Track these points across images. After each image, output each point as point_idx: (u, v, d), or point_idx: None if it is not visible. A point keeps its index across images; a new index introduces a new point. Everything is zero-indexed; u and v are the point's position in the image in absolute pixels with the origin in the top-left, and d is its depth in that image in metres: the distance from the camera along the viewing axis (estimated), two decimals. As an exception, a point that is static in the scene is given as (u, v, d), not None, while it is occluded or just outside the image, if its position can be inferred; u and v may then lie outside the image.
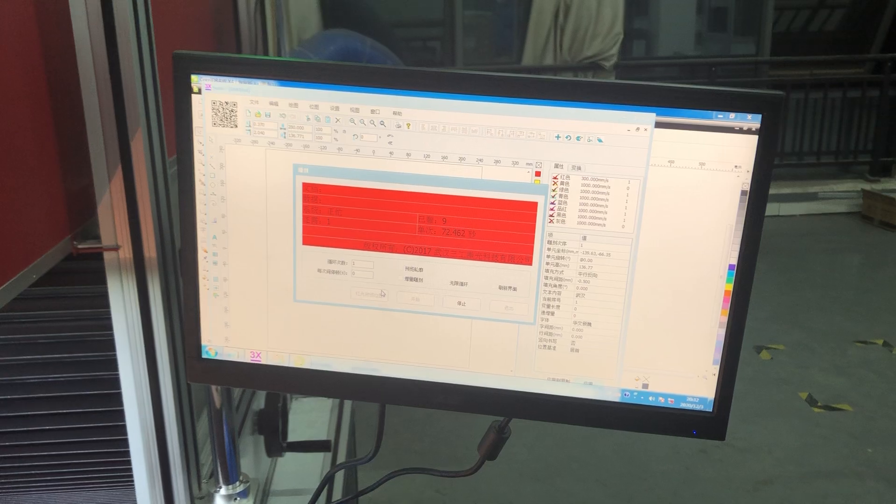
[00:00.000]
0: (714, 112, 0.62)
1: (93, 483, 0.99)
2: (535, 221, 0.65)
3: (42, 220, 0.81)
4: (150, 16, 0.88)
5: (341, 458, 1.58)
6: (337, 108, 0.64)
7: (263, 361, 0.71)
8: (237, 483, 1.01)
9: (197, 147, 0.66)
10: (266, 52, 1.61)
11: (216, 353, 0.71)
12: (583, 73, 5.56)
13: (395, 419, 2.90)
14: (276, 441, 1.32)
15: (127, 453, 0.95)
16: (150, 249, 0.89)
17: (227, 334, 0.71)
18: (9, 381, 0.94)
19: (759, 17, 5.97)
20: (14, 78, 0.75)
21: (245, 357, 0.71)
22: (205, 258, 0.69)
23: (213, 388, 0.96)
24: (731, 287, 0.65)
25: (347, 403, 1.84)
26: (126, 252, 0.89)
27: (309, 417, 1.73)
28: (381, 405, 0.74)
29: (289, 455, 1.39)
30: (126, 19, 0.83)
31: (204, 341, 0.71)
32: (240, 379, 0.72)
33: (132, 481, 0.97)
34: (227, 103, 0.65)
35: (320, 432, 1.68)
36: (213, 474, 1.06)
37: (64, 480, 0.99)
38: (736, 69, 6.11)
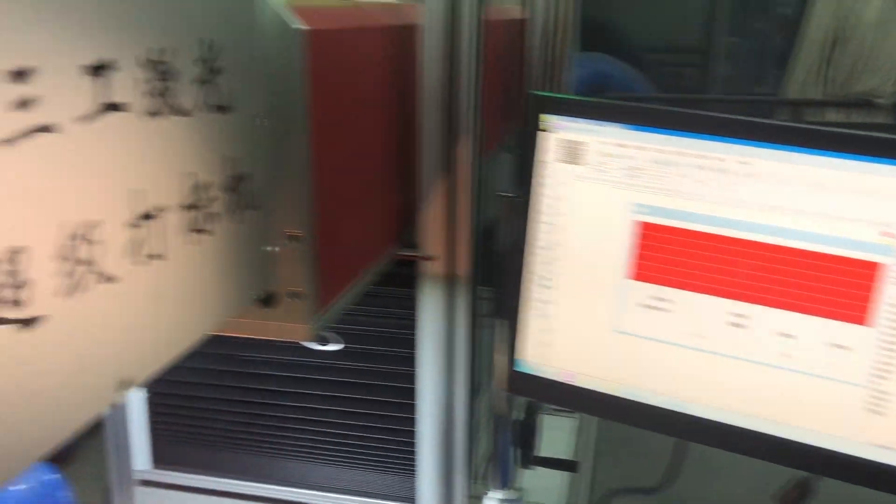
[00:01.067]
0: None
1: (379, 467, 1.10)
2: (878, 282, 0.64)
3: (381, 227, 0.91)
4: (484, 50, 0.96)
5: (584, 479, 1.60)
6: (683, 154, 0.67)
7: (576, 383, 0.75)
8: (509, 489, 1.07)
9: (540, 180, 0.72)
10: (553, 77, 1.67)
11: (532, 369, 0.77)
12: (852, 109, 5.16)
13: (639, 447, 2.84)
14: (530, 454, 1.37)
15: (413, 444, 1.05)
16: (462, 263, 0.97)
17: (545, 353, 0.76)
18: (329, 363, 1.07)
19: None
20: (374, 108, 0.87)
21: (559, 376, 0.76)
22: (534, 281, 0.75)
23: (502, 396, 1.02)
24: None
25: (592, 427, 1.86)
26: (440, 262, 0.98)
27: (553, 435, 1.77)
28: (681, 442, 0.76)
29: (532, 470, 1.44)
30: (469, 55, 0.91)
31: (522, 356, 0.77)
32: (551, 396, 0.77)
33: (414, 471, 1.06)
34: (574, 142, 0.71)
35: (562, 451, 1.72)
36: (483, 477, 1.13)
37: (355, 461, 1.11)
38: None
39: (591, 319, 0.74)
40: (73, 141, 0.43)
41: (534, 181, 0.73)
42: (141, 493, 1.20)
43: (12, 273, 0.39)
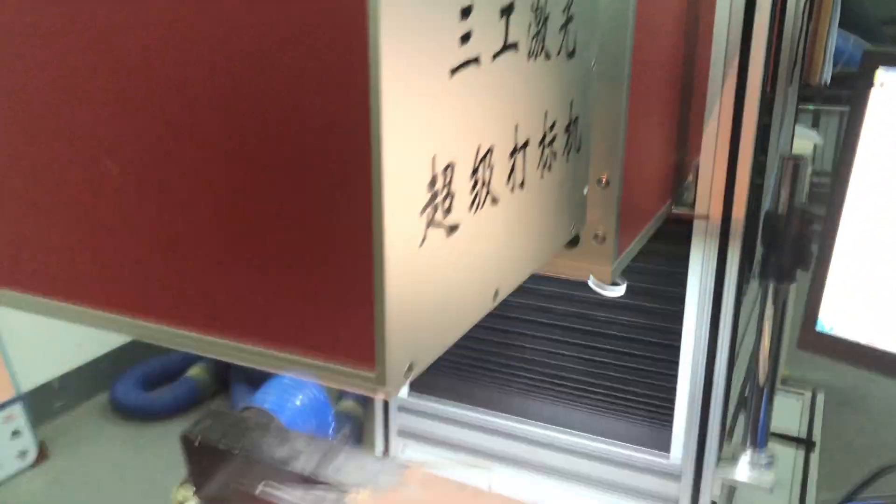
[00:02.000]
0: None
1: (635, 416, 1.12)
2: None
3: (666, 179, 0.93)
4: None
5: (815, 458, 1.55)
6: None
7: (878, 346, 0.74)
8: (762, 454, 1.07)
9: (865, 137, 0.71)
10: (812, 47, 1.59)
11: (831, 329, 0.76)
12: None
13: (855, 440, 2.68)
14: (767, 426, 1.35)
15: (672, 399, 1.06)
16: (737, 223, 0.97)
17: (845, 313, 0.75)
18: (592, 314, 1.11)
19: None
20: (673, 61, 0.88)
21: (859, 338, 0.75)
22: (840, 242, 0.74)
23: (761, 363, 1.02)
24: None
25: (820, 403, 1.78)
26: (714, 221, 0.98)
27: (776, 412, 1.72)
28: None
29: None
30: (765, 13, 0.90)
31: (821, 316, 0.77)
32: (849, 356, 0.76)
33: (670, 424, 1.08)
34: (907, 98, 0.69)
35: (789, 427, 1.67)
36: (730, 438, 1.13)
37: (613, 408, 1.14)
38: None
39: (902, 282, 0.72)
40: (487, 74, 0.48)
41: (859, 141, 0.72)
42: (399, 417, 1.31)
43: (447, 184, 0.45)
